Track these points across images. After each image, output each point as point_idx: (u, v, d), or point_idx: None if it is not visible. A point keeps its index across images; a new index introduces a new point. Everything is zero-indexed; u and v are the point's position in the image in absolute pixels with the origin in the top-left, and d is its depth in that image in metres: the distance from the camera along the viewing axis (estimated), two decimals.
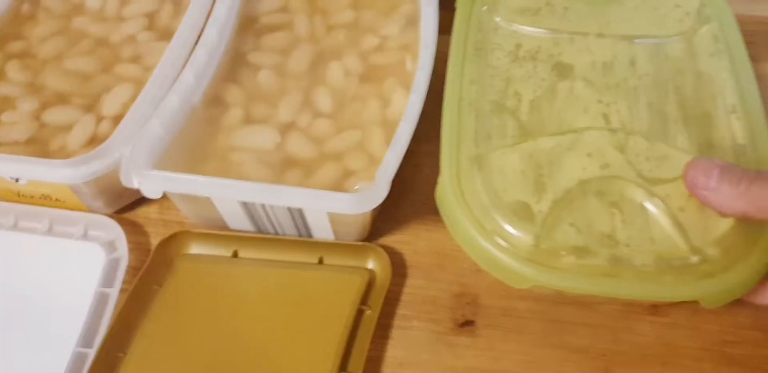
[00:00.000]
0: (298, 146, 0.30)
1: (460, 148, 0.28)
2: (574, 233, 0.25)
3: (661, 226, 0.25)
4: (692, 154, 0.27)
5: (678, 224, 0.25)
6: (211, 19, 0.33)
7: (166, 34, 0.35)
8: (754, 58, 0.31)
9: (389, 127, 0.30)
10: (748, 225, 0.25)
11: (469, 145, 0.28)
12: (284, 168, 0.29)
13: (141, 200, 0.33)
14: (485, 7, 0.33)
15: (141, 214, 0.32)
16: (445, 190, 0.27)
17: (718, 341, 0.27)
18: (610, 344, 0.27)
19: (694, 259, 0.24)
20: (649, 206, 0.25)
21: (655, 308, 0.28)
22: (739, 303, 0.27)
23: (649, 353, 0.27)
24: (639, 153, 0.27)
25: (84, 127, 0.31)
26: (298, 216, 0.28)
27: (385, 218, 0.32)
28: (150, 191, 0.27)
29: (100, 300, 0.28)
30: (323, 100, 0.31)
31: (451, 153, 0.27)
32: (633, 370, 0.26)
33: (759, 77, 0.30)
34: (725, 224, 0.25)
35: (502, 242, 0.25)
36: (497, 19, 0.33)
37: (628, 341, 0.27)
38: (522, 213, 0.25)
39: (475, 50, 0.31)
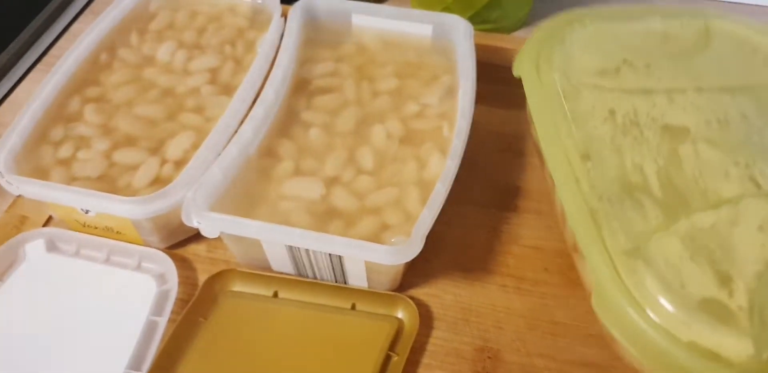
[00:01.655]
0: (341, 199, 0.33)
1: (605, 241, 0.24)
2: None
3: None
4: None
5: None
6: (269, 79, 0.37)
7: (227, 89, 0.38)
8: None
9: (425, 187, 0.33)
10: None
11: (614, 235, 0.24)
12: (327, 218, 0.32)
13: (192, 238, 0.36)
14: (556, 73, 0.30)
15: (191, 250, 0.35)
16: (610, 296, 0.22)
17: None
18: None
19: None
20: None
21: None
22: None
23: None
24: None
25: (149, 169, 0.34)
26: (337, 263, 0.31)
27: (415, 272, 0.34)
28: (208, 231, 0.30)
29: (150, 327, 0.31)
30: (366, 159, 0.35)
31: (599, 248, 0.23)
32: None
33: None
34: None
35: (709, 355, 0.20)
36: (576, 83, 0.30)
37: None
38: (717, 312, 0.21)
39: (567, 121, 0.28)
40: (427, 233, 0.29)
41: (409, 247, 0.29)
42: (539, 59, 0.31)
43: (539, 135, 0.29)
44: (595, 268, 0.23)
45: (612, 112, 0.29)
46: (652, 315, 0.22)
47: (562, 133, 0.28)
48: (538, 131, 0.29)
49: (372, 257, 0.29)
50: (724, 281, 0.22)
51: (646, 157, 0.27)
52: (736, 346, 0.20)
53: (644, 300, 0.22)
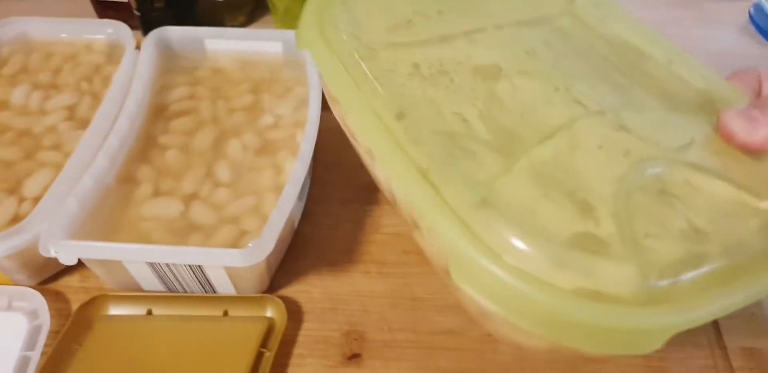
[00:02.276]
0: (199, 213, 0.34)
1: (446, 199, 0.21)
2: (659, 243, 0.20)
3: (724, 194, 0.22)
4: (674, 111, 0.25)
5: (738, 185, 0.22)
6: (123, 109, 0.38)
7: (85, 124, 0.39)
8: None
9: (281, 191, 0.35)
10: None
11: (456, 190, 0.22)
12: (187, 233, 0.33)
13: (63, 271, 0.36)
14: (344, 36, 0.28)
15: (63, 283, 0.36)
16: (470, 260, 0.20)
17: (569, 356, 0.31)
18: (476, 364, 0.31)
19: None
20: (695, 178, 0.22)
21: None
22: None
23: (509, 369, 0.31)
24: (642, 127, 0.24)
25: (6, 208, 0.34)
26: (200, 273, 0.32)
27: (285, 272, 0.36)
28: (65, 259, 0.31)
29: (23, 362, 0.31)
30: (222, 172, 0.36)
31: (443, 211, 0.21)
32: None
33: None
34: None
35: (596, 297, 0.18)
36: (369, 44, 0.28)
37: (492, 360, 0.31)
38: (592, 247, 0.19)
39: (368, 83, 0.26)
40: (279, 232, 0.31)
41: (260, 247, 0.30)
42: (323, 28, 0.29)
43: (344, 106, 0.26)
44: (445, 233, 0.21)
45: (416, 66, 0.27)
46: (522, 268, 0.19)
47: (368, 98, 0.26)
48: (342, 102, 0.26)
49: (226, 261, 0.30)
50: (586, 210, 0.20)
51: (463, 103, 0.25)
52: (619, 276, 0.19)
53: (509, 254, 0.19)
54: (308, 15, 0.30)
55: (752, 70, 0.28)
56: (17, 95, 0.41)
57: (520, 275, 0.19)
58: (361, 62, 0.27)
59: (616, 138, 0.23)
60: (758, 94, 0.27)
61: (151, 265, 0.32)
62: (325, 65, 0.28)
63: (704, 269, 0.20)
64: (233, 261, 0.30)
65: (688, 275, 0.20)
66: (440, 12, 0.30)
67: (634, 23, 0.30)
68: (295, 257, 0.36)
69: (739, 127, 0.24)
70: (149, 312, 0.34)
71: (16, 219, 0.34)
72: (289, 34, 0.42)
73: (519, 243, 0.20)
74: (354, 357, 0.32)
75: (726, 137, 0.24)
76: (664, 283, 0.19)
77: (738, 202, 0.22)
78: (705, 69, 0.27)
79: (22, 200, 0.35)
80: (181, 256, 0.30)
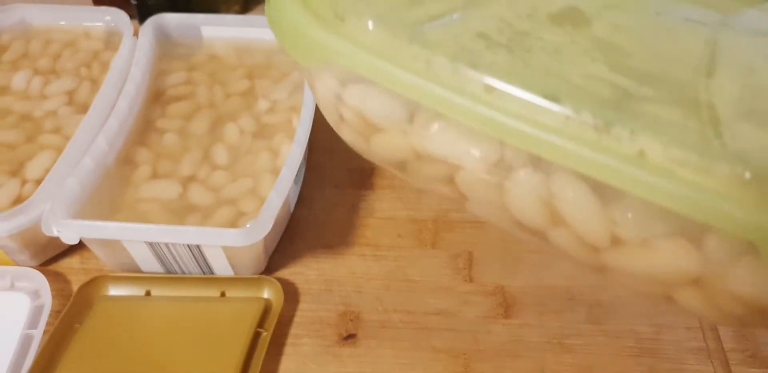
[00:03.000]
0: (198, 195, 0.35)
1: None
2: None
3: None
4: None
5: None
6: (122, 93, 0.39)
7: (85, 108, 0.39)
8: None
9: (278, 174, 0.35)
10: None
11: (721, 168, 0.17)
12: (185, 213, 0.34)
13: (64, 252, 0.37)
14: (370, 25, 0.21)
15: (64, 264, 0.36)
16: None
17: (558, 335, 0.32)
18: (470, 344, 0.32)
19: None
20: None
21: (508, 312, 0.33)
22: (577, 302, 0.32)
23: (502, 349, 0.32)
24: (761, 21, 0.21)
25: (9, 190, 0.35)
26: (198, 254, 0.33)
27: (282, 254, 0.36)
28: (67, 238, 0.31)
29: (25, 341, 0.32)
30: (220, 155, 0.37)
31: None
32: (489, 364, 0.31)
33: None
34: None
35: None
36: (407, 25, 0.21)
37: (485, 340, 0.32)
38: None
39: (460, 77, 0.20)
40: (276, 212, 0.32)
41: (258, 227, 0.31)
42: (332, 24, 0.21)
43: (459, 117, 0.20)
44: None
45: (483, 36, 0.20)
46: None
47: (480, 101, 0.19)
48: (450, 112, 0.20)
49: (225, 241, 0.31)
50: None
51: (583, 62, 0.20)
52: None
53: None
54: (287, 5, 0.22)
55: None
56: (18, 81, 0.42)
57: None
58: (413, 48, 0.20)
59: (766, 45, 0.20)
60: None
61: (151, 245, 0.32)
62: (369, 68, 0.20)
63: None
64: (231, 240, 0.30)
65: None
66: None
67: None
68: (292, 239, 0.37)
69: None
70: (148, 293, 0.34)
71: (18, 200, 0.35)
72: None
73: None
74: (350, 337, 0.32)
75: None
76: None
77: None
78: None
79: (24, 182, 0.36)
80: (180, 235, 0.31)
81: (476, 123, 0.18)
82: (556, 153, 0.17)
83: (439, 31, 0.20)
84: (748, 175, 0.16)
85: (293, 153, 0.34)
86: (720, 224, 0.16)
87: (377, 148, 0.21)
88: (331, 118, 0.21)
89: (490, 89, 0.18)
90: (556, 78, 0.19)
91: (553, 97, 0.18)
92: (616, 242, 0.18)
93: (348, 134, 0.21)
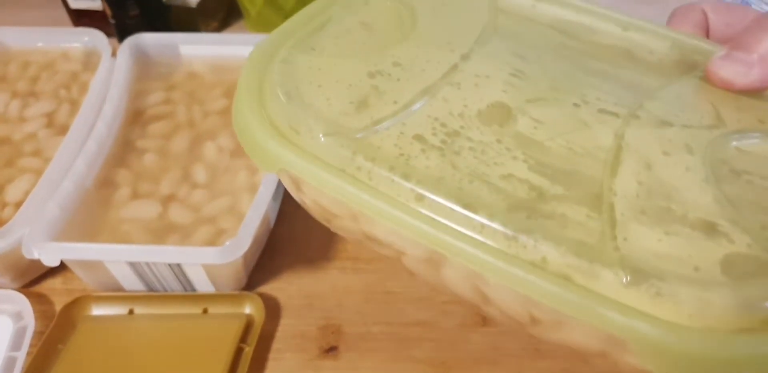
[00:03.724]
0: (177, 214, 0.35)
1: (586, 287, 0.18)
2: None
3: None
4: (666, 81, 0.24)
5: None
6: (100, 114, 0.39)
7: (64, 130, 0.40)
8: None
9: (256, 191, 0.36)
10: None
11: (597, 271, 0.18)
12: (165, 233, 0.34)
13: (46, 274, 0.37)
14: (310, 135, 0.22)
15: (47, 285, 0.37)
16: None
17: (533, 341, 0.33)
18: (449, 353, 0.32)
19: None
20: (741, 141, 0.21)
21: (486, 321, 0.34)
22: None
23: (481, 356, 0.32)
24: (669, 112, 0.23)
25: None
26: (179, 272, 0.33)
27: (263, 270, 0.37)
28: (48, 260, 0.32)
29: (8, 363, 0.32)
30: (199, 174, 0.37)
31: (588, 299, 0.18)
32: (467, 371, 0.32)
33: None
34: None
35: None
36: (347, 134, 0.22)
37: (464, 349, 0.33)
38: (751, 267, 0.18)
39: (387, 183, 0.21)
40: (254, 231, 0.32)
41: (236, 244, 0.31)
42: (280, 131, 0.22)
43: (376, 219, 0.21)
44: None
45: (420, 138, 0.22)
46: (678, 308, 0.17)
47: (408, 202, 0.21)
48: (371, 214, 0.21)
49: (204, 259, 0.31)
50: (710, 230, 0.19)
51: (504, 161, 0.21)
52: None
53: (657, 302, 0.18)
54: (248, 117, 0.23)
55: (692, 4, 0.26)
56: None
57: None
58: (356, 159, 0.21)
59: (669, 136, 0.22)
60: (706, 29, 0.26)
61: (132, 265, 0.33)
62: (315, 178, 0.21)
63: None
64: (211, 259, 0.31)
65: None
66: (396, 63, 0.24)
67: (561, 1, 0.27)
68: (272, 255, 0.38)
69: (731, 73, 0.22)
70: (131, 311, 0.35)
71: None
72: (259, 37, 0.44)
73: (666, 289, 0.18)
74: (331, 350, 0.33)
75: (725, 87, 0.23)
76: None
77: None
78: (657, 27, 0.26)
79: (4, 206, 0.36)
80: (160, 255, 0.31)
81: (407, 231, 0.20)
82: (471, 260, 0.19)
83: (381, 135, 0.22)
84: (626, 280, 0.18)
85: None
86: (603, 327, 0.18)
87: (336, 229, 0.25)
88: (296, 199, 0.24)
89: (420, 197, 0.20)
90: (479, 182, 0.21)
91: (471, 207, 0.20)
92: (535, 321, 0.20)
93: (312, 213, 0.25)
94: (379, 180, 0.21)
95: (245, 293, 0.35)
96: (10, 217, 0.35)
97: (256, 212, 0.33)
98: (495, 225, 0.19)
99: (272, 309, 0.35)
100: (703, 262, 0.18)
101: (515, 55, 0.25)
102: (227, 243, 0.32)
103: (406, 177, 0.20)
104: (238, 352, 0.32)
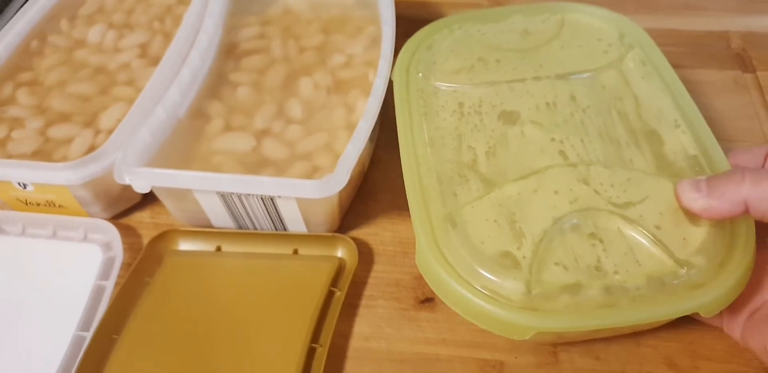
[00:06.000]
0: (272, 149, 0.33)
1: (429, 211, 0.27)
2: (562, 271, 0.25)
3: (643, 247, 0.26)
4: (651, 172, 0.28)
5: (658, 242, 0.26)
6: (194, 45, 0.37)
7: (157, 61, 0.39)
8: (677, 66, 0.33)
9: (353, 130, 0.34)
10: (721, 229, 0.26)
11: (438, 205, 0.28)
12: (259, 167, 0.33)
13: (135, 206, 0.36)
14: (420, 74, 0.34)
15: (135, 218, 0.36)
16: (425, 254, 0.26)
17: None
18: None
19: (682, 272, 0.25)
20: (626, 230, 0.26)
21: None
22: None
23: None
24: (603, 181, 0.28)
25: (83, 140, 0.34)
26: (271, 208, 0.31)
27: (356, 214, 0.35)
28: (139, 186, 0.30)
29: (98, 291, 0.31)
30: (294, 109, 0.35)
31: (422, 217, 0.27)
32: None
33: (689, 82, 0.31)
34: (701, 232, 0.26)
35: (494, 296, 0.25)
36: (435, 83, 0.34)
37: None
38: (507, 262, 0.25)
39: (420, 116, 0.32)
40: (352, 166, 0.30)
41: (334, 179, 0.29)
42: (410, 65, 0.35)
43: (398, 130, 0.32)
44: (416, 231, 0.27)
45: (461, 105, 0.32)
46: (455, 266, 0.26)
47: (414, 127, 0.31)
48: (398, 127, 0.32)
49: (300, 192, 0.29)
50: (517, 236, 0.26)
51: (479, 140, 0.30)
52: (514, 286, 0.25)
53: (451, 255, 0.26)
54: (404, 54, 0.35)
55: (763, 146, 0.29)
56: (93, 34, 0.41)
57: (450, 272, 0.26)
58: (424, 98, 0.33)
59: (573, 187, 0.27)
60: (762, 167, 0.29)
61: (223, 197, 0.31)
62: (399, 97, 0.33)
63: (580, 298, 0.25)
64: (307, 192, 0.29)
65: (564, 297, 0.25)
66: (498, 61, 0.34)
67: (671, 83, 0.32)
68: (365, 200, 0.35)
69: (685, 194, 0.26)
70: (218, 248, 0.33)
71: (91, 150, 0.34)
72: None
73: (459, 248, 0.26)
74: (427, 301, 0.31)
75: (677, 200, 0.27)
76: (542, 298, 0.25)
77: (650, 255, 0.26)
78: (705, 133, 0.30)
79: (97, 132, 0.35)
80: (254, 185, 0.29)
81: None
82: None
83: None
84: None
85: (370, 106, 0.32)
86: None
87: None
88: None
89: None
90: (454, 137, 0.31)
91: (430, 142, 0.31)
92: None
93: None
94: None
95: (338, 235, 0.33)
96: (103, 143, 0.34)
97: (355, 148, 0.30)
98: None
99: (365, 255, 0.33)
100: (491, 244, 0.26)
101: (571, 96, 0.32)
102: (325, 177, 0.29)
103: (429, 117, 0.32)
104: (329, 296, 0.30)
